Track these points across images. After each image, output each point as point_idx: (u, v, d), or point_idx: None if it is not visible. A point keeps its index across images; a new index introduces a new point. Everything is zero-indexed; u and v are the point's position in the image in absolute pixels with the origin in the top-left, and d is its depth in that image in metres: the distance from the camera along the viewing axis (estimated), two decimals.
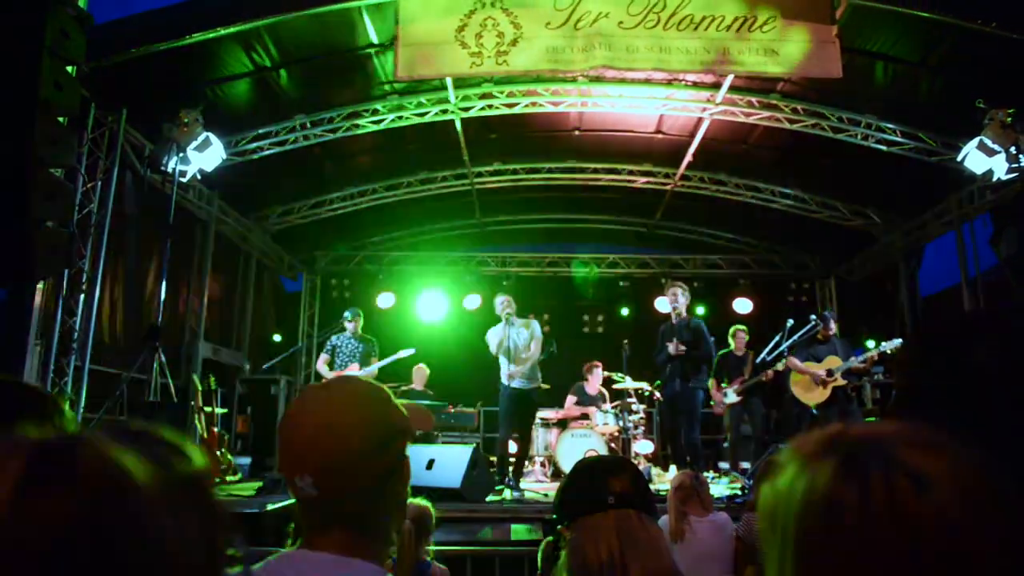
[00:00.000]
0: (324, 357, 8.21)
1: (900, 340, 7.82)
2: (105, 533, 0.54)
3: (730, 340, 9.04)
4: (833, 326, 7.96)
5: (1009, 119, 7.29)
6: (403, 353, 8.43)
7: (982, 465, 0.62)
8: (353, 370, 7.86)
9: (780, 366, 8.11)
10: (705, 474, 6.35)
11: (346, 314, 8.34)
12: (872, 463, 0.61)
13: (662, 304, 7.64)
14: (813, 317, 8.21)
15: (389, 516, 1.21)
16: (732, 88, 8.67)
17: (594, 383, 9.73)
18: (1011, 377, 0.83)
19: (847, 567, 0.60)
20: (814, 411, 7.88)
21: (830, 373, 7.73)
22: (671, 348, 7.38)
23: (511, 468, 7.32)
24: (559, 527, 1.61)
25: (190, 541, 0.60)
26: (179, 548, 0.58)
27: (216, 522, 0.66)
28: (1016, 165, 7.35)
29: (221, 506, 0.67)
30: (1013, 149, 7.33)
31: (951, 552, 0.57)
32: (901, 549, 0.58)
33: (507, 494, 6.98)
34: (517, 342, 7.29)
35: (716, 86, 8.72)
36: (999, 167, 7.49)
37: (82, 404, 6.92)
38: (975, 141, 7.55)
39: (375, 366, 8.10)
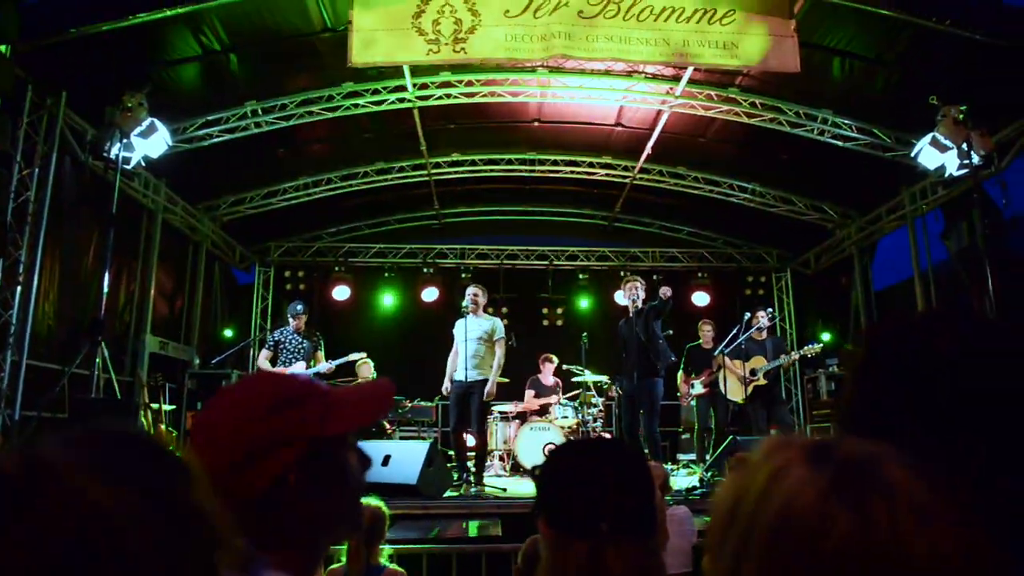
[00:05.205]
0: (266, 353, 7.65)
1: (818, 344, 8.08)
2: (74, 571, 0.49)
3: (699, 333, 9.08)
4: (765, 322, 8.06)
5: (961, 116, 7.38)
6: (354, 356, 8.14)
7: (969, 498, 0.59)
8: (299, 368, 7.46)
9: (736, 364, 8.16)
10: (666, 466, 6.33)
11: (296, 307, 7.77)
12: (869, 486, 0.57)
13: (620, 297, 7.55)
14: (770, 310, 8.30)
15: (305, 528, 1.02)
16: (691, 81, 8.65)
17: (547, 374, 9.74)
18: (971, 376, 0.80)
19: None
20: (739, 403, 8.13)
21: (753, 372, 7.86)
22: (663, 292, 7.18)
23: (470, 463, 7.19)
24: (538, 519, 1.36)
25: (176, 559, 0.55)
26: (162, 570, 0.53)
27: (206, 532, 0.59)
28: (967, 161, 7.46)
29: (211, 513, 0.61)
30: (964, 145, 7.43)
31: None
32: None
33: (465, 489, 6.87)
34: (473, 335, 7.17)
35: (676, 79, 8.70)
36: (951, 163, 7.59)
37: (19, 401, 6.61)
38: (928, 137, 7.64)
39: (324, 365, 7.66)
